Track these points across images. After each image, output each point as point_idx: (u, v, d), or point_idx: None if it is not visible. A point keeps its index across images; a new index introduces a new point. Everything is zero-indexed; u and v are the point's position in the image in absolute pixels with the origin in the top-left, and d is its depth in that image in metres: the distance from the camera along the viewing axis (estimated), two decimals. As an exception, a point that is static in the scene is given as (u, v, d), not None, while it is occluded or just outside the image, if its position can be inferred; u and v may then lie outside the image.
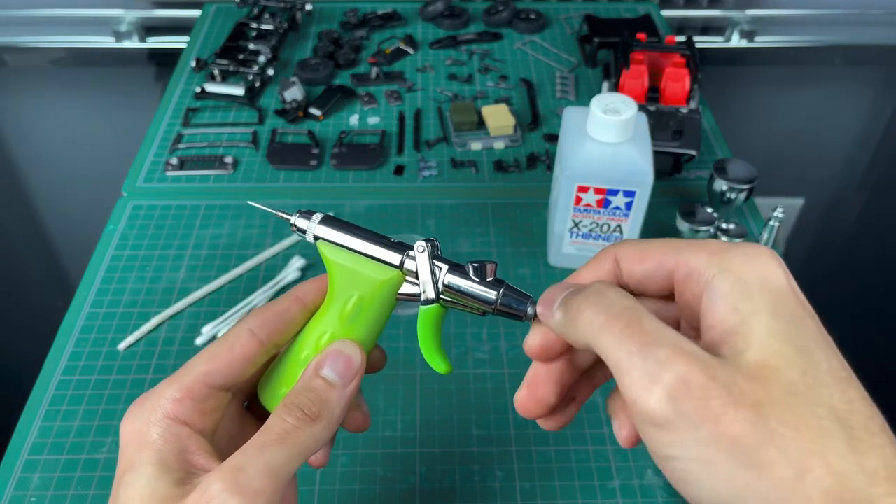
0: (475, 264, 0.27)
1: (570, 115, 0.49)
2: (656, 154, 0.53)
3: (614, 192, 0.47)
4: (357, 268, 0.28)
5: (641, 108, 0.59)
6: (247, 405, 0.29)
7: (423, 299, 0.28)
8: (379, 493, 0.40)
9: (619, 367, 0.19)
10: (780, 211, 0.50)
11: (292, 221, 0.29)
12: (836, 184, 1.01)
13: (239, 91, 0.68)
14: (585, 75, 0.74)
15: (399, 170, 0.63)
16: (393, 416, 0.44)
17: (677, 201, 0.58)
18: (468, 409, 0.44)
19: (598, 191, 0.47)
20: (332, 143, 0.65)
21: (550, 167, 0.63)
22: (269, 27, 0.75)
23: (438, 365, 0.29)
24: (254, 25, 0.76)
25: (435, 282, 0.28)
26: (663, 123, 0.58)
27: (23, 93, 0.92)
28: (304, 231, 0.29)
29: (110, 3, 0.87)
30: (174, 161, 0.62)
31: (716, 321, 0.20)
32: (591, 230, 0.50)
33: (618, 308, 0.20)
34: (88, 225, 0.67)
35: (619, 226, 0.49)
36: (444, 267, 0.28)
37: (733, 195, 0.55)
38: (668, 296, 0.23)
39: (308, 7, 0.80)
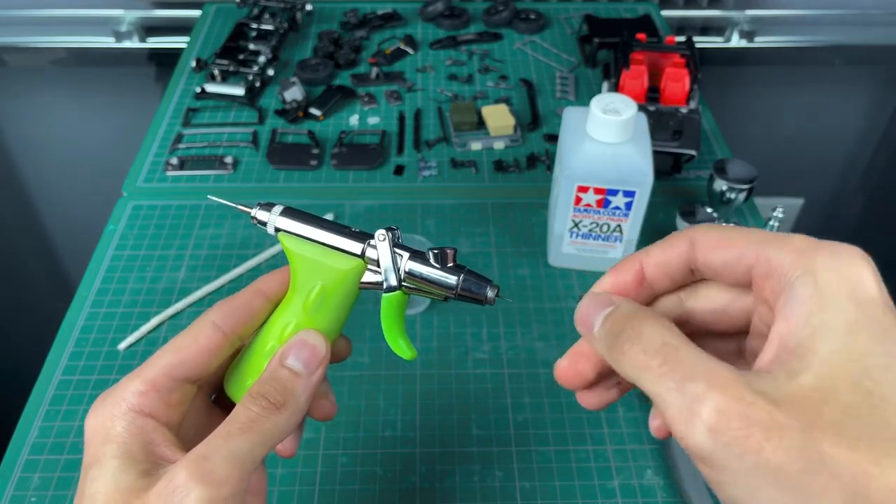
0: (435, 251, 0.27)
1: (570, 115, 0.49)
2: (656, 154, 0.53)
3: (614, 193, 0.47)
4: (319, 258, 0.28)
5: (641, 108, 0.59)
6: (214, 398, 0.29)
7: (385, 287, 0.28)
8: (379, 492, 0.40)
9: (662, 405, 0.19)
10: (779, 211, 0.50)
11: (252, 214, 0.29)
12: (835, 184, 1.01)
13: (239, 91, 0.68)
14: (585, 75, 0.74)
15: (399, 170, 0.63)
16: (393, 416, 0.44)
17: (677, 201, 0.58)
18: (468, 409, 0.44)
19: (597, 191, 0.47)
20: (332, 143, 0.65)
21: (550, 167, 0.63)
22: (270, 27, 0.75)
23: (403, 351, 0.29)
24: (254, 25, 0.76)
25: (396, 269, 0.28)
26: (663, 123, 0.58)
27: (23, 93, 0.92)
28: (265, 223, 0.29)
29: (110, 3, 0.87)
30: (174, 161, 0.62)
31: (786, 331, 0.19)
32: (590, 230, 0.50)
33: (656, 345, 0.20)
34: (88, 225, 0.67)
35: (619, 226, 0.49)
36: (406, 254, 0.28)
37: (733, 195, 0.55)
38: (746, 285, 0.21)
39: (308, 7, 0.80)
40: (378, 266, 0.28)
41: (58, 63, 0.90)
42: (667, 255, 0.22)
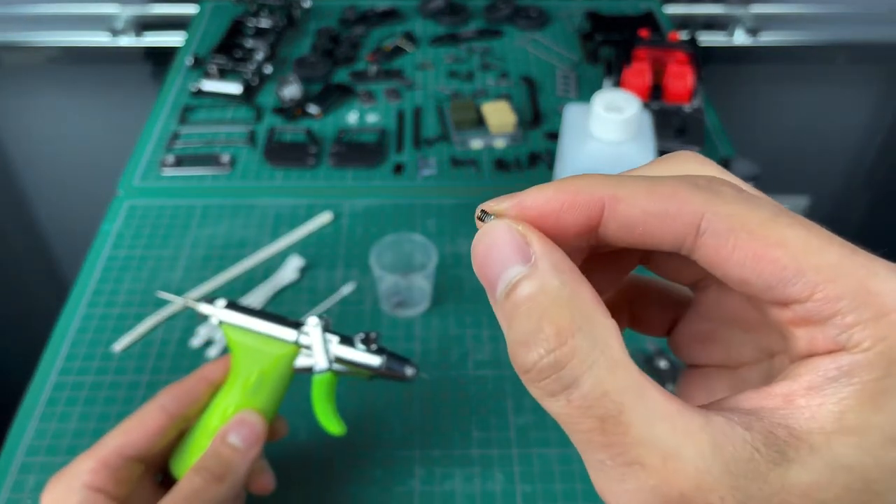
0: (362, 335, 0.32)
1: (572, 112, 0.48)
2: (659, 153, 0.52)
3: (616, 192, 0.46)
4: (257, 345, 0.32)
5: (644, 106, 0.58)
6: (161, 480, 0.33)
7: (317, 369, 0.32)
8: (377, 495, 0.40)
9: (591, 475, 0.13)
10: (784, 210, 0.49)
11: (199, 309, 0.33)
12: (840, 181, 1.00)
13: (236, 89, 0.68)
14: (587, 73, 0.73)
15: (398, 168, 0.62)
16: (392, 418, 0.43)
17: (680, 200, 0.58)
18: (468, 411, 0.44)
19: (599, 190, 0.46)
20: (330, 141, 0.65)
21: (551, 166, 0.62)
22: (267, 24, 0.75)
23: (333, 427, 0.33)
24: (251, 22, 0.75)
25: (327, 352, 0.32)
26: (666, 121, 0.57)
27: (18, 91, 0.91)
28: (208, 317, 0.33)
29: (106, -1, 0.86)
30: (171, 160, 0.62)
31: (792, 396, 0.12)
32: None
33: (591, 397, 0.12)
34: (84, 224, 0.66)
35: (621, 225, 0.48)
36: (335, 339, 0.32)
37: (737, 194, 0.54)
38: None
39: (306, 4, 0.79)
40: (310, 350, 0.32)
41: (53, 61, 0.89)
42: (566, 215, 0.13)
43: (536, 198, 0.13)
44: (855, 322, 0.11)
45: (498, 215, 0.13)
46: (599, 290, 0.13)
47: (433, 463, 0.41)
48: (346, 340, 0.32)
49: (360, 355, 0.32)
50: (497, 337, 0.48)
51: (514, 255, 0.13)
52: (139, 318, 0.49)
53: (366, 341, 0.32)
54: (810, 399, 0.11)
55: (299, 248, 0.55)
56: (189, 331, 0.48)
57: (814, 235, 0.12)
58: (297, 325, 0.33)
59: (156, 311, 0.49)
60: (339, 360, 0.32)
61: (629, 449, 0.12)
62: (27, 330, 0.73)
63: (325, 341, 0.32)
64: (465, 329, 0.49)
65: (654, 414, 0.12)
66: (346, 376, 0.33)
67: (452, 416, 0.43)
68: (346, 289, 0.51)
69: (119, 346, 0.47)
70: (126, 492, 0.30)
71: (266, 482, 0.34)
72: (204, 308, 0.33)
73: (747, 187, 0.14)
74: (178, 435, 0.33)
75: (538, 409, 0.44)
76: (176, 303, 0.37)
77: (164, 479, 0.33)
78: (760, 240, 0.12)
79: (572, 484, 0.40)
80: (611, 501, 0.12)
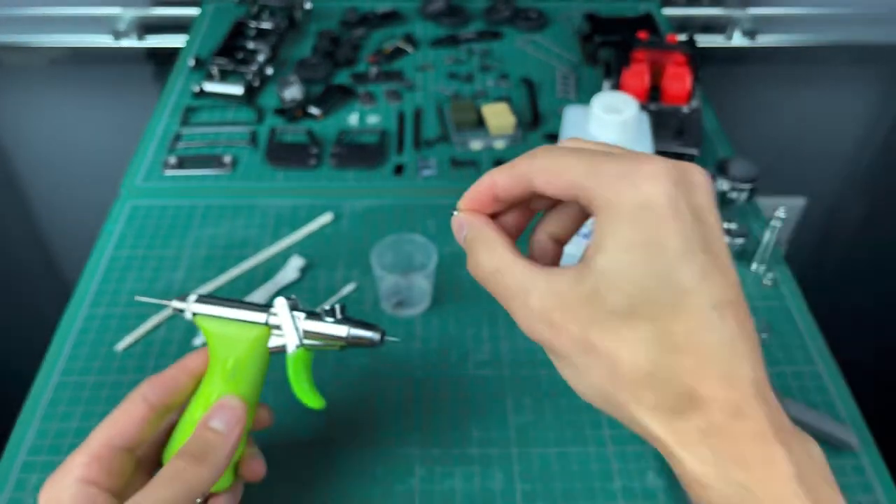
0: (326, 308, 0.33)
1: (571, 114, 0.49)
2: (658, 154, 0.53)
3: (615, 192, 0.46)
4: (231, 332, 0.33)
5: (642, 107, 0.58)
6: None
7: (289, 347, 0.33)
8: (378, 494, 0.40)
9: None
10: (781, 211, 0.49)
11: (172, 305, 0.34)
12: (838, 183, 1.01)
13: (238, 90, 0.68)
14: (586, 74, 0.74)
15: (399, 169, 0.62)
16: (392, 417, 0.44)
17: (678, 201, 0.58)
18: (468, 410, 0.44)
19: (598, 190, 0.47)
20: (331, 142, 0.65)
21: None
22: (268, 26, 0.75)
23: (311, 401, 0.34)
24: (253, 24, 0.75)
25: (296, 329, 0.33)
26: (665, 123, 0.58)
27: (21, 92, 0.92)
28: (182, 311, 0.34)
29: (109, 1, 0.86)
30: (173, 160, 0.62)
31: (590, 245, 0.23)
32: (591, 230, 0.49)
33: (487, 272, 0.24)
34: (87, 225, 0.67)
35: (620, 226, 0.49)
36: (302, 315, 0.33)
37: (735, 195, 0.55)
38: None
39: (307, 6, 0.80)
40: (281, 330, 0.33)
41: (56, 62, 0.89)
42: (510, 181, 0.24)
43: (472, 193, 0.26)
44: (594, 198, 0.22)
45: (458, 209, 0.26)
46: (520, 220, 0.26)
47: (433, 462, 0.41)
48: (313, 315, 0.33)
49: (326, 327, 0.33)
50: (497, 336, 0.49)
51: (459, 232, 0.26)
52: (141, 317, 0.49)
53: (331, 313, 0.33)
54: (591, 243, 0.22)
55: (300, 248, 0.55)
56: (191, 330, 0.49)
57: (579, 158, 0.22)
58: (266, 308, 0.34)
59: (158, 311, 0.49)
60: (308, 334, 0.33)
61: (508, 295, 0.23)
62: (30, 329, 0.74)
63: (294, 319, 0.33)
64: (464, 329, 0.49)
65: (519, 271, 0.23)
66: (320, 349, 0.34)
67: (452, 415, 0.44)
68: (347, 289, 0.51)
69: (122, 345, 0.48)
70: (119, 483, 0.30)
71: (257, 468, 0.34)
72: (176, 304, 0.34)
73: (573, 143, 0.24)
74: (167, 426, 0.33)
75: (537, 409, 0.44)
76: (151, 303, 0.38)
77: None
78: (558, 175, 0.23)
79: (571, 482, 0.40)
80: (518, 324, 0.24)
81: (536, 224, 0.26)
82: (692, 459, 0.21)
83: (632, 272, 0.21)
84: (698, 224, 0.21)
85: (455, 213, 0.26)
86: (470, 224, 0.25)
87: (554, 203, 0.26)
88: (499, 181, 0.24)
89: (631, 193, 0.21)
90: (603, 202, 0.22)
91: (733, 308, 0.21)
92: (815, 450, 0.21)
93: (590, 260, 0.22)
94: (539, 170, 0.23)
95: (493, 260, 0.24)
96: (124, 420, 0.31)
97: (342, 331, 0.33)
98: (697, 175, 0.22)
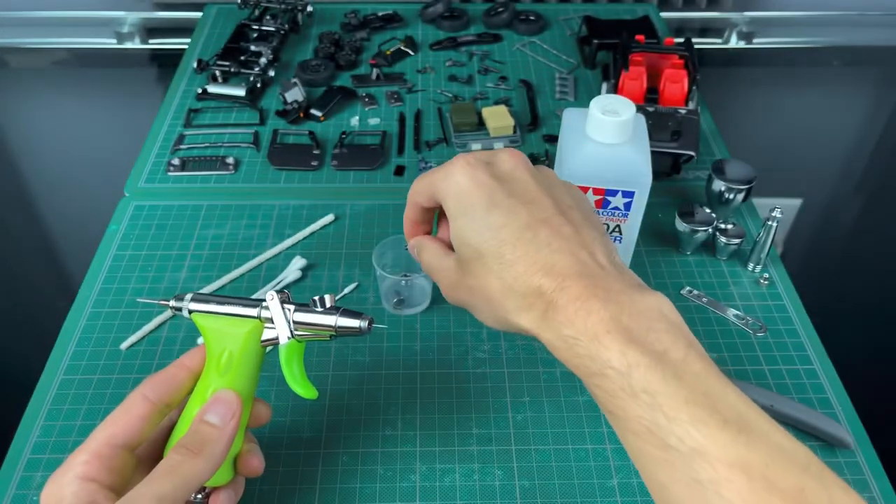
0: (315, 298, 0.34)
1: (570, 116, 0.49)
2: (655, 155, 0.53)
3: (613, 193, 0.47)
4: (225, 327, 0.34)
5: (640, 109, 0.59)
6: None
7: (281, 338, 0.34)
8: (379, 491, 0.40)
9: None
10: (778, 211, 0.50)
11: (170, 305, 0.35)
12: (834, 184, 1.01)
13: (240, 92, 0.69)
14: (585, 76, 0.74)
15: (399, 170, 0.63)
16: (393, 415, 0.44)
17: (676, 202, 0.59)
18: (468, 408, 0.45)
19: (596, 191, 0.47)
20: (332, 143, 0.66)
21: (550, 167, 0.63)
22: (271, 28, 0.76)
23: (305, 392, 0.35)
24: (255, 27, 0.76)
25: (287, 321, 0.34)
26: (662, 124, 0.58)
27: (25, 94, 0.92)
28: (180, 309, 0.35)
29: (112, 4, 0.87)
30: (176, 162, 0.63)
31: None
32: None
33: (426, 263, 0.36)
34: (91, 225, 0.67)
35: (619, 226, 0.49)
36: (292, 307, 0.34)
37: (731, 195, 0.55)
38: None
39: (309, 8, 0.80)
40: (273, 323, 0.34)
41: (60, 64, 0.90)
42: (411, 210, 0.36)
43: (405, 226, 0.38)
44: (440, 201, 0.34)
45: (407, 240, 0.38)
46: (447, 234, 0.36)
47: (434, 459, 0.42)
48: (303, 306, 0.34)
49: (315, 317, 0.34)
50: (496, 335, 0.49)
51: (413, 251, 0.38)
52: (145, 316, 0.50)
53: (321, 303, 0.34)
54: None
55: (302, 248, 0.55)
56: (195, 329, 0.49)
57: (426, 178, 0.34)
58: (258, 303, 0.34)
59: (161, 310, 0.50)
60: (298, 325, 0.34)
61: (436, 275, 0.35)
62: (34, 328, 0.74)
63: (285, 311, 0.34)
64: (464, 328, 0.49)
65: (440, 261, 0.34)
66: (312, 340, 0.35)
67: (452, 412, 0.44)
68: (348, 288, 0.52)
69: (126, 344, 0.48)
70: (120, 480, 0.30)
71: (255, 463, 0.35)
72: (173, 303, 0.35)
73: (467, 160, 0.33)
74: (168, 424, 0.34)
75: (537, 407, 0.45)
76: (154, 304, 0.38)
77: None
78: (420, 194, 0.35)
79: (570, 480, 0.41)
80: (444, 294, 0.35)
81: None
82: (543, 333, 0.29)
83: (465, 232, 0.31)
84: (501, 183, 0.31)
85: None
86: (416, 240, 0.37)
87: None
88: (407, 212, 0.37)
89: (447, 183, 0.32)
90: (441, 199, 0.33)
91: (545, 223, 0.30)
92: (648, 300, 0.28)
93: (451, 238, 0.33)
94: (414, 194, 0.35)
95: (428, 254, 0.35)
96: (125, 419, 0.31)
97: (331, 320, 0.34)
98: (501, 153, 0.33)
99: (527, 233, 0.29)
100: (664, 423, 0.24)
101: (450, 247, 0.34)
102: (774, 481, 0.23)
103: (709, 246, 0.55)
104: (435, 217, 0.37)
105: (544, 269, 0.29)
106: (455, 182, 0.31)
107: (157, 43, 0.89)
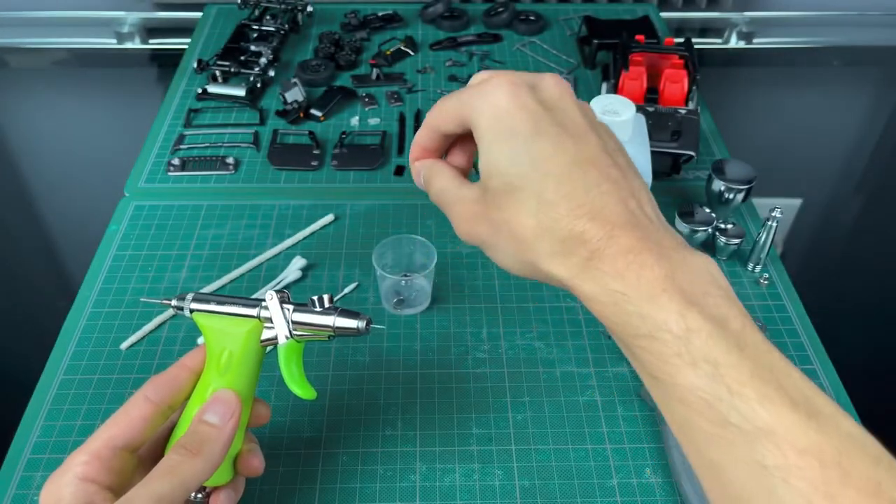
0: (314, 298, 0.34)
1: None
2: (655, 155, 0.53)
3: (613, 193, 0.47)
4: (225, 327, 0.34)
5: (640, 109, 0.59)
6: None
7: (280, 338, 0.34)
8: (379, 490, 0.40)
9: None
10: (777, 211, 0.50)
11: (172, 305, 0.36)
12: (833, 184, 1.01)
13: (240, 92, 0.69)
14: (585, 77, 0.74)
15: (399, 170, 0.63)
16: (394, 415, 0.44)
17: (676, 202, 0.59)
18: (468, 408, 0.45)
19: (597, 191, 0.47)
20: (332, 143, 0.66)
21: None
22: (271, 28, 0.76)
23: (304, 392, 0.34)
24: (255, 27, 0.76)
25: (286, 321, 0.34)
26: (662, 124, 0.58)
27: (25, 93, 0.92)
28: (181, 309, 0.35)
29: (112, 4, 0.87)
30: (176, 161, 0.63)
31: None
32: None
33: (436, 190, 0.31)
34: (91, 225, 0.67)
35: (618, 226, 0.49)
36: (291, 307, 0.34)
37: (731, 195, 0.55)
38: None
39: (309, 9, 0.80)
40: (272, 323, 0.34)
41: (60, 64, 0.90)
42: (426, 133, 0.32)
43: (412, 148, 0.33)
44: (467, 120, 0.29)
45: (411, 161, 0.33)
46: (461, 160, 0.33)
47: (434, 459, 0.42)
48: (301, 306, 0.34)
49: (314, 317, 0.34)
50: (496, 335, 0.49)
51: (417, 176, 0.33)
52: (145, 316, 0.50)
53: (319, 303, 0.34)
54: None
55: (302, 248, 0.55)
56: (194, 328, 0.49)
57: (454, 97, 0.29)
58: (258, 302, 0.34)
59: (161, 310, 0.50)
60: (297, 325, 0.34)
61: (449, 206, 0.31)
62: (34, 328, 0.74)
63: (284, 311, 0.34)
64: (464, 328, 0.49)
65: (456, 187, 0.30)
66: (310, 340, 0.35)
67: (452, 412, 0.44)
68: (349, 288, 0.52)
69: (126, 344, 0.48)
70: (119, 481, 0.30)
71: (255, 463, 0.34)
72: (175, 303, 0.35)
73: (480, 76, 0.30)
74: (170, 424, 0.34)
75: (536, 407, 0.45)
76: (154, 303, 0.38)
77: None
78: (445, 114, 0.30)
79: (570, 480, 0.41)
80: (456, 229, 0.30)
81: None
82: (583, 285, 0.25)
83: (500, 159, 0.27)
84: (547, 111, 0.27)
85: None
86: (426, 163, 0.32)
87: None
88: (420, 135, 0.32)
89: (483, 103, 0.28)
90: (472, 120, 0.28)
91: (593, 163, 0.26)
92: (699, 261, 0.25)
93: (479, 166, 0.29)
94: (435, 116, 0.31)
95: (441, 181, 0.31)
96: (125, 420, 0.31)
97: (329, 320, 0.34)
98: (547, 77, 0.28)
99: (575, 170, 0.26)
100: (726, 397, 0.22)
101: (464, 174, 0.32)
102: (850, 472, 0.20)
103: (709, 246, 0.55)
104: None
105: (591, 214, 0.25)
106: (494, 101, 0.27)
107: (157, 43, 0.89)
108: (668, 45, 0.64)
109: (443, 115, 0.30)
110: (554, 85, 0.28)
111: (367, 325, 0.34)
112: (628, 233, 0.25)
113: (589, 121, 0.28)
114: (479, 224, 0.29)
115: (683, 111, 0.59)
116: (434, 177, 0.31)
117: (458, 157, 0.32)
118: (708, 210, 0.54)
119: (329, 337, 0.34)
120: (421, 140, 0.32)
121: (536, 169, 0.26)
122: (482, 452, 0.42)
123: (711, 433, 0.22)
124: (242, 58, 0.72)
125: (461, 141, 0.32)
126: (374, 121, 0.68)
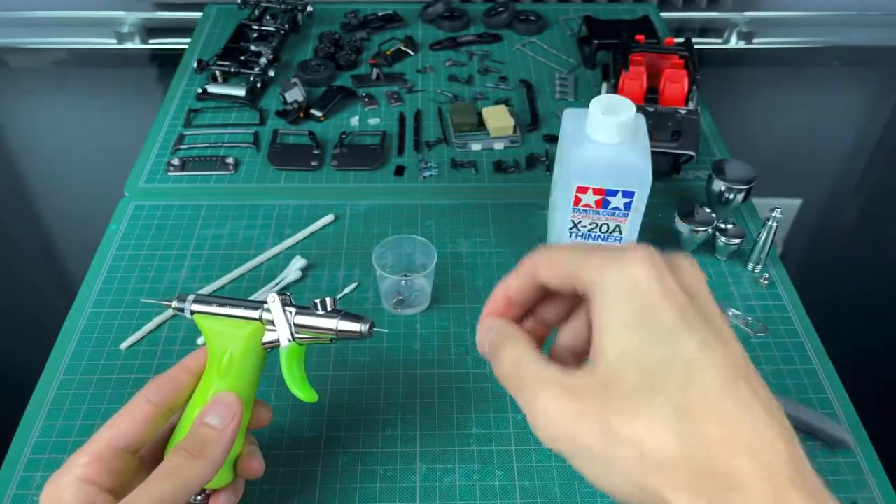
0: (317, 301, 0.34)
1: (570, 116, 0.49)
2: (655, 155, 0.53)
3: (613, 193, 0.47)
4: (226, 329, 0.34)
5: (640, 109, 0.59)
6: None
7: (282, 341, 0.34)
8: (379, 491, 0.40)
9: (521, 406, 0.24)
10: (778, 211, 0.50)
11: (172, 306, 0.35)
12: (833, 184, 1.01)
13: (240, 92, 0.69)
14: (585, 77, 0.74)
15: (399, 170, 0.63)
16: (393, 415, 0.44)
17: (676, 202, 0.59)
18: (468, 408, 0.45)
19: (596, 191, 0.47)
20: (332, 143, 0.66)
21: (550, 168, 0.63)
22: (271, 28, 0.76)
23: (305, 395, 0.34)
24: (255, 27, 0.76)
25: (289, 323, 0.34)
26: (662, 124, 0.58)
27: (25, 93, 0.92)
28: (182, 310, 0.35)
29: (112, 4, 0.87)
30: (176, 161, 0.63)
31: (592, 336, 0.23)
32: (590, 230, 0.50)
33: (508, 364, 0.25)
34: (91, 225, 0.67)
35: (619, 226, 0.49)
36: (293, 310, 0.34)
37: (731, 196, 0.55)
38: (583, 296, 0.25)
39: (309, 9, 0.80)
40: (274, 326, 0.34)
41: (60, 64, 0.90)
42: (518, 281, 0.26)
43: (490, 301, 0.27)
44: (587, 283, 0.23)
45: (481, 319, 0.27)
46: (538, 330, 0.28)
47: (434, 459, 0.42)
48: (304, 309, 0.34)
49: (316, 320, 0.34)
50: (496, 335, 0.49)
51: (484, 336, 0.27)
52: (145, 316, 0.50)
53: (322, 306, 0.34)
54: (593, 335, 0.23)
55: (302, 248, 0.55)
56: (194, 329, 0.49)
57: (573, 250, 0.24)
58: (260, 305, 0.34)
59: (161, 310, 0.50)
60: (299, 328, 0.34)
61: (522, 383, 0.24)
62: (34, 328, 0.74)
63: (286, 314, 0.34)
64: (464, 327, 0.49)
65: (536, 365, 0.24)
66: (312, 343, 0.35)
67: (452, 412, 0.44)
68: (349, 288, 0.52)
69: (125, 344, 0.48)
70: (120, 483, 0.30)
71: (255, 465, 0.34)
72: (175, 304, 0.35)
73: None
74: (171, 426, 0.34)
75: (537, 406, 0.45)
76: (154, 303, 0.38)
77: None
78: (555, 264, 0.25)
79: (570, 480, 0.41)
80: (528, 418, 0.23)
81: (554, 340, 0.27)
82: None
83: (637, 351, 0.21)
84: (691, 299, 0.22)
85: (478, 324, 0.27)
86: (496, 325, 0.26)
87: (565, 317, 0.27)
88: (510, 282, 0.26)
89: (619, 275, 0.22)
90: (595, 286, 0.23)
91: (744, 377, 0.21)
92: None
93: (597, 350, 0.22)
94: (541, 263, 0.25)
95: (516, 350, 0.24)
96: (126, 422, 0.31)
97: (332, 323, 0.34)
98: (683, 259, 0.24)
99: (729, 385, 0.20)
100: None
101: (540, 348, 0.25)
102: None
103: (709, 246, 0.55)
104: None
105: (747, 447, 0.20)
106: (634, 275, 0.22)
107: (157, 43, 0.89)
108: (668, 45, 0.65)
109: (553, 267, 0.24)
110: (690, 267, 0.23)
111: (370, 328, 0.34)
112: (798, 490, 0.19)
113: (723, 315, 0.23)
114: (582, 425, 0.21)
115: (683, 111, 0.59)
116: (508, 343, 0.25)
117: (530, 326, 0.27)
118: (708, 210, 0.54)
119: (331, 340, 0.34)
120: (510, 288, 0.26)
121: (685, 373, 0.20)
122: (482, 452, 0.42)
123: None
124: (242, 58, 0.72)
125: (541, 306, 0.27)
126: (374, 121, 0.68)
